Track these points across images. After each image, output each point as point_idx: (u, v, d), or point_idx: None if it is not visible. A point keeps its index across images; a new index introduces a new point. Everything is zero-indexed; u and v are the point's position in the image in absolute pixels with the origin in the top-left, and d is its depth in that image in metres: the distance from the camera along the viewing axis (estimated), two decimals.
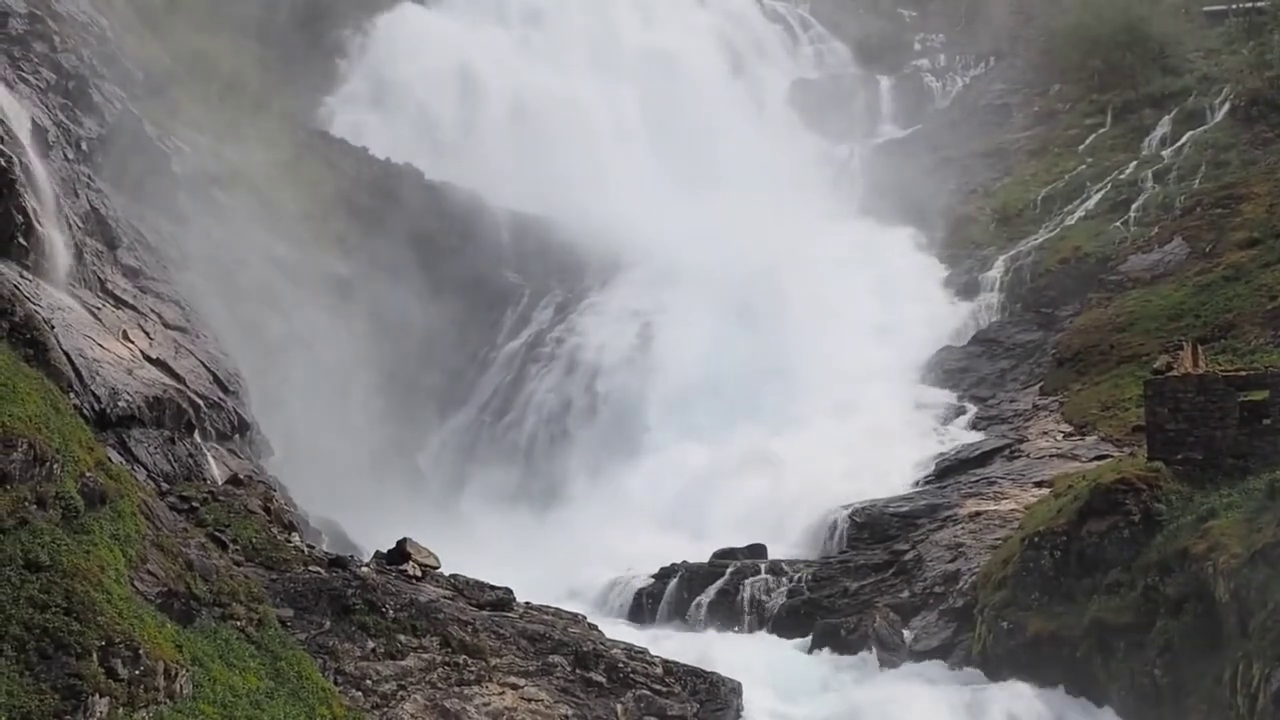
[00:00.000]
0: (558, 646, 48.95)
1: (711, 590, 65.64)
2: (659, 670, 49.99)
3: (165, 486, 52.30)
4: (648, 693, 48.84)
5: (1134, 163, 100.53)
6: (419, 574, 51.91)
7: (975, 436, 76.73)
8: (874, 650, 58.35)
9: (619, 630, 56.77)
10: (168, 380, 59.88)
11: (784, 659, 59.24)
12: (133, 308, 64.12)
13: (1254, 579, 45.25)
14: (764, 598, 64.60)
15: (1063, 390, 78.04)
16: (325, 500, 71.34)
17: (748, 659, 57.06)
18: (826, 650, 59.21)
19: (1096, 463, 64.26)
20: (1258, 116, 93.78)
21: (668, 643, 57.20)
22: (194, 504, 50.25)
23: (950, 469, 73.11)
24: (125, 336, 60.11)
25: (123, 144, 76.91)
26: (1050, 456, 70.22)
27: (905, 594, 62.42)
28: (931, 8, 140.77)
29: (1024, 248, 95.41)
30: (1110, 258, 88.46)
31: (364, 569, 50.07)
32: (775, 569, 66.47)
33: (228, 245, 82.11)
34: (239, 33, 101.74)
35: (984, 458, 73.15)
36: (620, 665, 49.32)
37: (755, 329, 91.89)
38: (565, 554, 71.67)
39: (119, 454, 51.51)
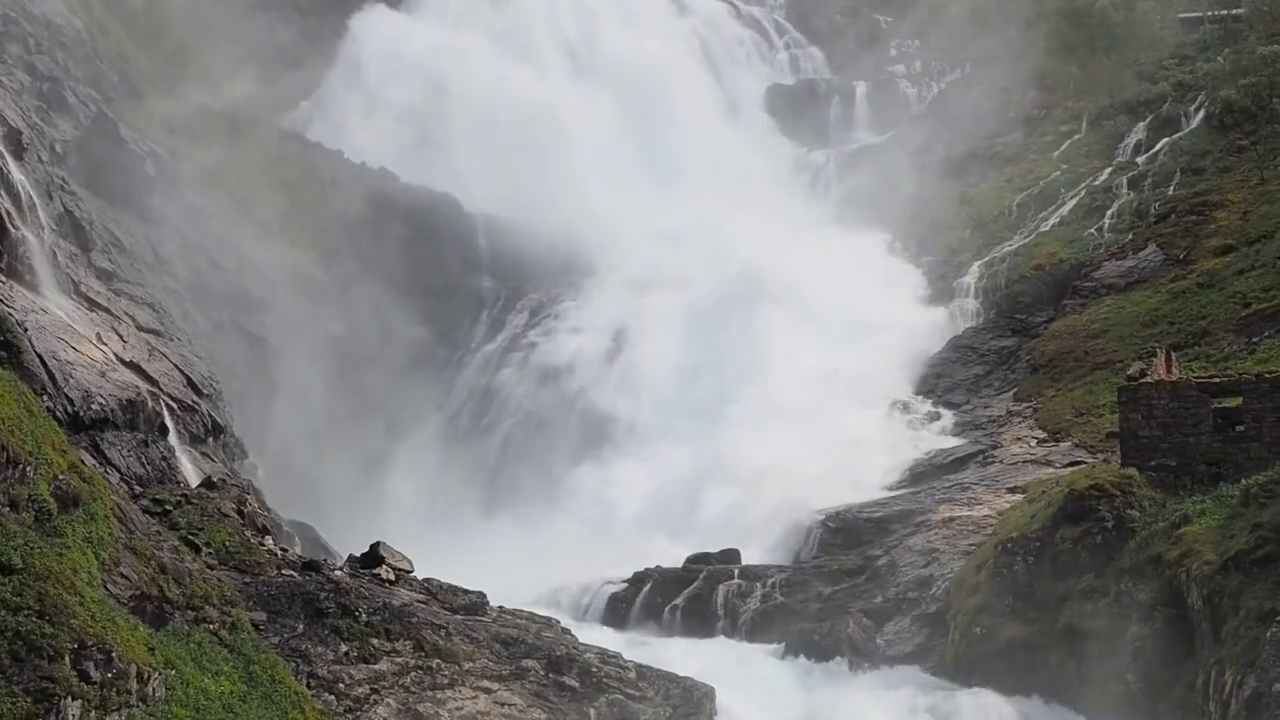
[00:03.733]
0: (531, 651, 48.97)
1: (685, 595, 65.61)
2: (632, 675, 50.00)
3: (138, 489, 52.29)
4: (621, 697, 48.84)
5: (1109, 169, 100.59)
6: (392, 578, 51.90)
7: (950, 442, 76.71)
8: (847, 655, 58.41)
9: (592, 635, 56.67)
10: (141, 383, 59.85)
11: (757, 664, 59.23)
12: (106, 310, 64.11)
13: (1227, 585, 45.37)
14: (737, 603, 64.55)
15: (1037, 396, 78.08)
16: (299, 503, 71.30)
17: (721, 663, 57.03)
18: (799, 655, 59.21)
19: (1070, 469, 64.40)
20: (1232, 124, 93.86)
21: (641, 647, 57.18)
22: (167, 507, 50.23)
23: (924, 474, 73.11)
24: (99, 339, 60.08)
25: (97, 146, 76.89)
26: (1024, 462, 70.27)
27: (878, 599, 62.46)
28: (907, 13, 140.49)
29: (999, 254, 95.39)
30: (1085, 264, 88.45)
31: (337, 573, 50.05)
32: (748, 574, 66.39)
33: (202, 248, 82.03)
34: (214, 35, 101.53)
35: (958, 463, 73.15)
36: (593, 670, 49.33)
37: (730, 334, 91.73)
38: (539, 558, 71.55)
39: (92, 457, 51.49)
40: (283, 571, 48.66)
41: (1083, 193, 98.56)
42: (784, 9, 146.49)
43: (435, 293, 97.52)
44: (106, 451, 53.90)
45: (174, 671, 36.99)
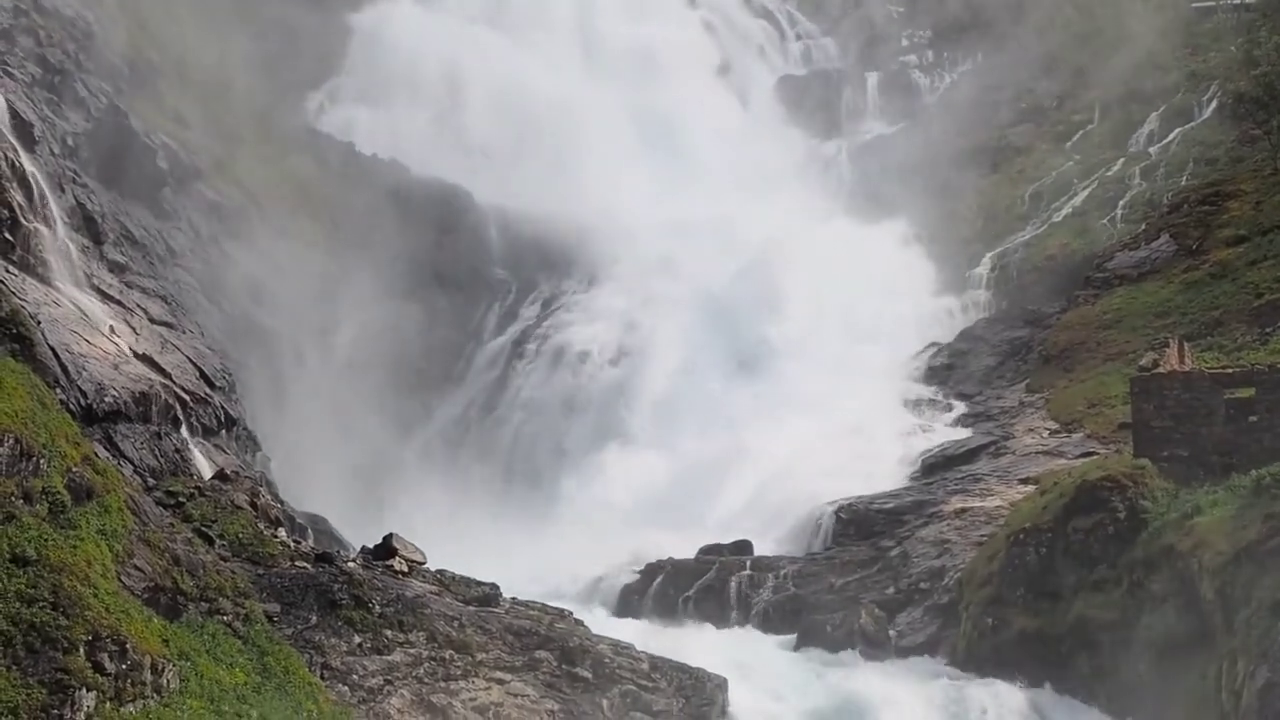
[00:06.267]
0: (544, 642, 49.04)
1: (697, 586, 65.70)
2: (645, 666, 50.06)
3: (152, 482, 52.32)
4: (633, 688, 48.91)
5: (1121, 160, 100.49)
6: (405, 569, 51.95)
7: (962, 433, 76.72)
8: (859, 646, 58.48)
9: (605, 626, 56.72)
10: (154, 375, 59.89)
11: (769, 654, 59.28)
12: (119, 303, 64.17)
13: (1239, 576, 45.32)
14: (750, 594, 64.66)
15: (1049, 387, 78.07)
16: (312, 495, 71.35)
17: (733, 654, 57.08)
18: (812, 646, 59.27)
19: (1082, 460, 64.28)
20: (1245, 114, 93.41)
21: (654, 638, 57.06)
22: (181, 499, 50.28)
23: (936, 466, 73.13)
24: (112, 332, 60.12)
25: (108, 139, 76.97)
26: (1036, 453, 70.25)
27: (890, 590, 62.51)
28: (919, 4, 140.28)
29: (1011, 244, 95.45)
30: (1097, 255, 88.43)
31: (350, 564, 50.10)
32: (761, 565, 66.52)
33: (214, 241, 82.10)
34: (226, 27, 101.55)
35: (970, 454, 73.15)
36: (606, 661, 49.38)
37: (741, 325, 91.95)
38: (551, 550, 71.71)
39: (105, 449, 51.50)
40: (296, 563, 48.75)
41: (1095, 183, 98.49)
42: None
43: (447, 284, 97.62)
44: (119, 444, 53.94)
45: (188, 663, 37.11)
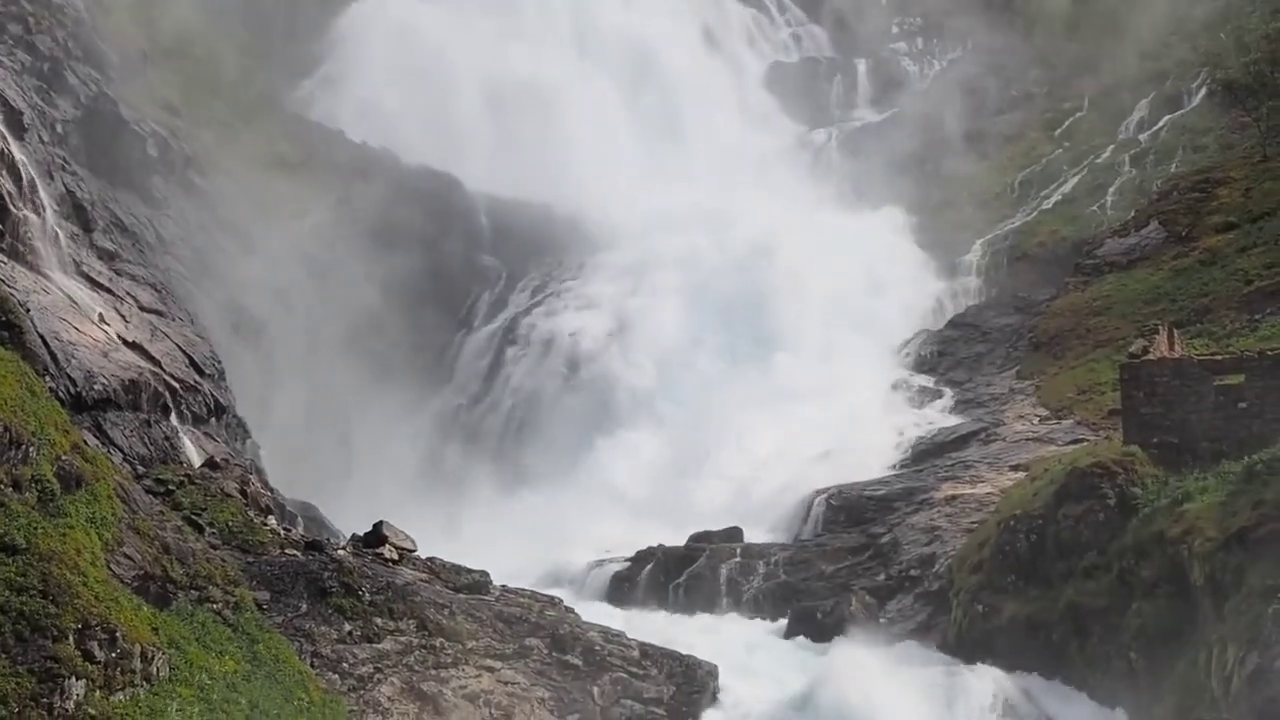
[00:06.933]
0: (534, 629, 49.08)
1: (687, 573, 65.59)
2: (635, 653, 50.10)
3: (141, 470, 52.32)
4: (624, 675, 48.95)
5: (1111, 146, 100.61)
6: (395, 557, 51.97)
7: (952, 420, 76.69)
8: (850, 633, 58.38)
9: (595, 613, 56.73)
10: (144, 363, 59.87)
11: (760, 641, 59.27)
12: (109, 291, 64.11)
13: (1229, 562, 45.32)
14: (740, 581, 64.57)
15: (1039, 374, 78.07)
16: (302, 483, 71.29)
17: (724, 641, 57.18)
18: (802, 633, 59.22)
19: (1072, 446, 64.27)
20: (1234, 101, 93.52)
21: (644, 626, 57.14)
22: (170, 487, 50.31)
23: (927, 452, 73.10)
24: (101, 319, 60.07)
25: (98, 127, 76.94)
26: (1026, 440, 70.22)
27: (881, 577, 62.47)
28: None
29: (1001, 231, 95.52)
30: (1087, 242, 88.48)
31: (340, 552, 50.15)
32: (751, 552, 66.44)
33: (204, 228, 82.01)
34: (216, 15, 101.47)
35: (960, 441, 73.12)
36: (597, 648, 49.43)
37: (732, 313, 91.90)
38: (542, 537, 71.61)
39: (95, 437, 51.51)
40: (286, 551, 48.76)
41: (1085, 170, 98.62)
42: None
43: (438, 272, 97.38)
44: (109, 432, 53.94)
45: (178, 651, 37.09)
